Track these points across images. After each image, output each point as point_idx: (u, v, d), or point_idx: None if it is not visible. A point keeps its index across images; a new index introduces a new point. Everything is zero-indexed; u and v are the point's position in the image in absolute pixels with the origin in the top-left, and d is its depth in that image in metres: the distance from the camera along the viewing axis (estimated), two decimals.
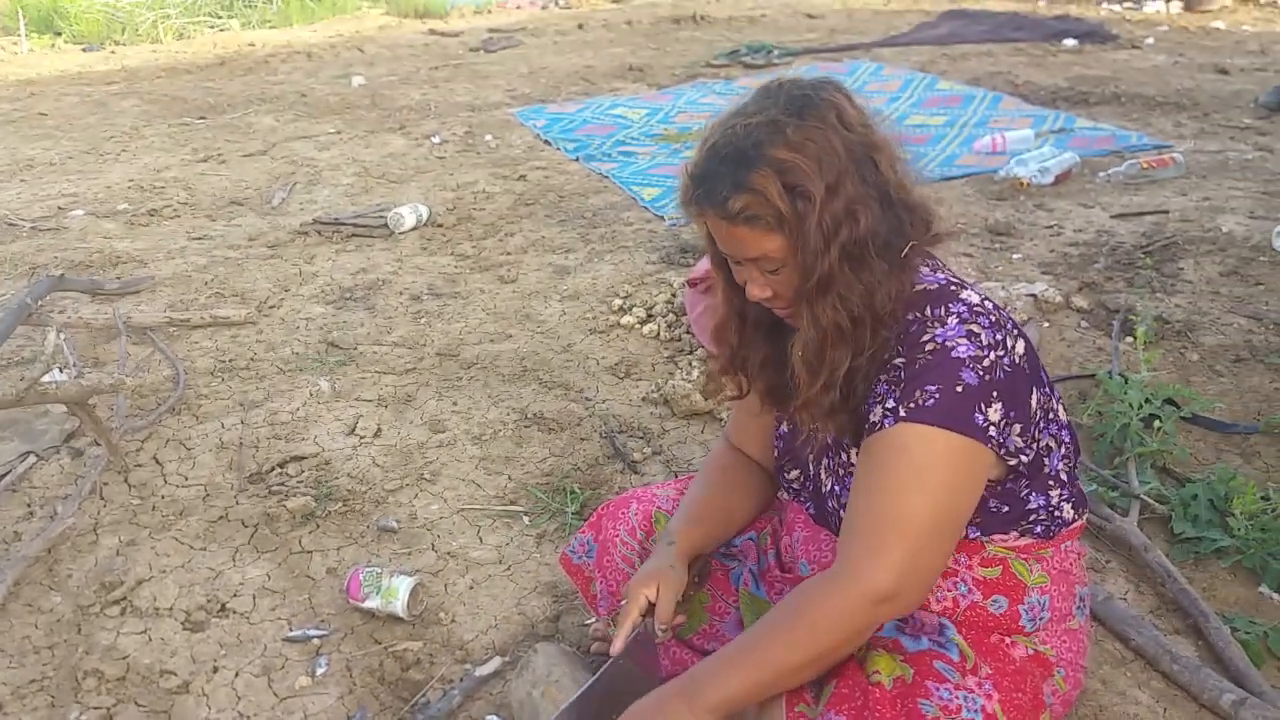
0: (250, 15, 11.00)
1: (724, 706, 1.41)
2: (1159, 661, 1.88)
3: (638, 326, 3.39)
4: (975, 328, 1.39)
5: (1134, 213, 4.18)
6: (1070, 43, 7.82)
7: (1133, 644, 1.93)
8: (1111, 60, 7.23)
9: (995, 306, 1.45)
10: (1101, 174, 4.64)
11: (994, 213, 4.23)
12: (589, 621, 2.01)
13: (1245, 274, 3.54)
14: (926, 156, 5.09)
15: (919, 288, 1.44)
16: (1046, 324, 3.23)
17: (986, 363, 1.37)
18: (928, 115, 5.91)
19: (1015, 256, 3.81)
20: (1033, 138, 5.17)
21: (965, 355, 1.37)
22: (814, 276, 1.38)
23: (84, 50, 9.81)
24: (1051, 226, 4.10)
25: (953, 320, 1.40)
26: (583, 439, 2.76)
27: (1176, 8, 8.98)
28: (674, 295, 3.48)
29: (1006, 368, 1.39)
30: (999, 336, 1.40)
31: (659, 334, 3.31)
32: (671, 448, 2.70)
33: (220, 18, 10.83)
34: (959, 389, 1.36)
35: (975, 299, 1.43)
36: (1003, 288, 3.39)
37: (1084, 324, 3.25)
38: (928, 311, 1.42)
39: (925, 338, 1.39)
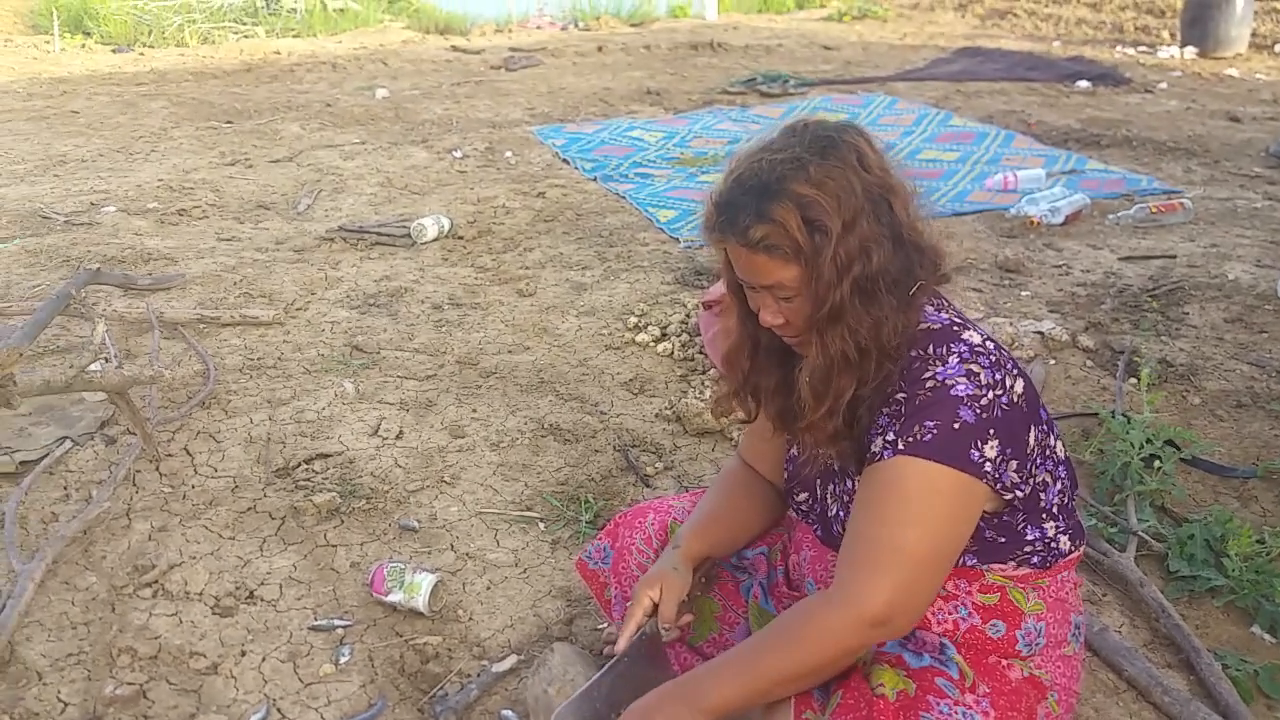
0: (274, 23, 11.13)
1: (720, 709, 1.48)
2: (1150, 693, 1.93)
3: (652, 345, 3.47)
4: (975, 367, 1.46)
5: (1142, 256, 4.25)
6: (1084, 84, 7.87)
7: (1125, 675, 1.98)
8: (1124, 103, 7.29)
9: (997, 346, 1.52)
10: (1111, 216, 4.72)
11: (1004, 250, 4.31)
12: (602, 625, 2.09)
13: (1250, 321, 3.61)
14: (938, 191, 5.16)
15: (923, 326, 1.52)
16: (1053, 361, 3.31)
17: (984, 401, 1.44)
18: (940, 150, 5.99)
19: (1024, 294, 3.89)
20: (1044, 177, 5.23)
21: (964, 394, 1.44)
22: (826, 307, 1.45)
23: (114, 51, 9.96)
24: (1060, 266, 4.18)
25: (954, 359, 1.47)
26: (597, 451, 2.84)
27: (1191, 54, 9.01)
28: (688, 316, 3.57)
29: (1004, 406, 1.46)
30: (998, 376, 1.47)
31: (673, 353, 3.40)
32: (683, 463, 2.78)
33: (245, 24, 10.96)
34: (956, 425, 1.42)
35: (977, 339, 1.50)
36: (1010, 324, 3.47)
37: (1089, 363, 3.32)
38: (930, 349, 1.49)
39: (926, 375, 1.46)
